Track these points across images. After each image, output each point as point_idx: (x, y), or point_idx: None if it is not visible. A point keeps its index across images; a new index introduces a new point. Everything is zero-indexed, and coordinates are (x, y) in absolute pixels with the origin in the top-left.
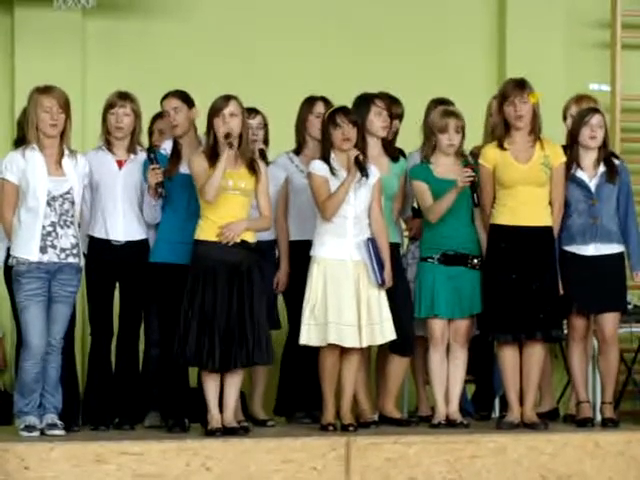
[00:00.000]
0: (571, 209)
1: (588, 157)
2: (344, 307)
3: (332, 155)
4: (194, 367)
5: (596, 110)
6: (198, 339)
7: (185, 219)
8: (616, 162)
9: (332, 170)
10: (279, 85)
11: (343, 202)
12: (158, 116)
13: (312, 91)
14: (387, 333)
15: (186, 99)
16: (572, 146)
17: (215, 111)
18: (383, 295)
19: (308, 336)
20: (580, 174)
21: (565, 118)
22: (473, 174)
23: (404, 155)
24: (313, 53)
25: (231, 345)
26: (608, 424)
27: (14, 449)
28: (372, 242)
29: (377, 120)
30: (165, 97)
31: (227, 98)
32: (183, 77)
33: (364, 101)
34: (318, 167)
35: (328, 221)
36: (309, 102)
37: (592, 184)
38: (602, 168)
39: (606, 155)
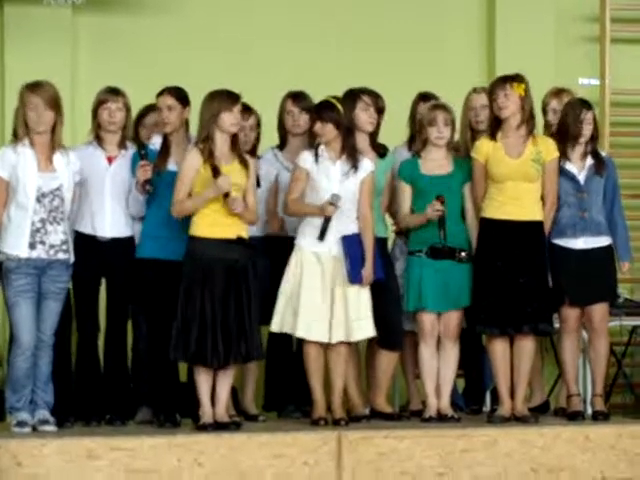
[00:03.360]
0: (560, 202)
1: (576, 150)
2: (315, 300)
3: (322, 146)
4: (197, 365)
5: (587, 105)
6: (200, 337)
7: (170, 215)
8: (603, 154)
9: (317, 159)
10: (270, 80)
11: (300, 214)
12: (145, 112)
13: (303, 85)
14: (365, 330)
15: (181, 98)
16: (561, 139)
17: (226, 106)
18: (364, 291)
19: (280, 324)
20: (569, 167)
21: (545, 112)
22: (442, 209)
23: (387, 150)
24: (304, 48)
25: (230, 341)
26: (598, 417)
27: (6, 445)
28: (347, 239)
29: (363, 115)
30: (161, 93)
31: (237, 96)
32: (174, 73)
33: (351, 96)
34: (303, 159)
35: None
36: (283, 98)
37: (581, 177)
38: (590, 161)
39: (593, 148)
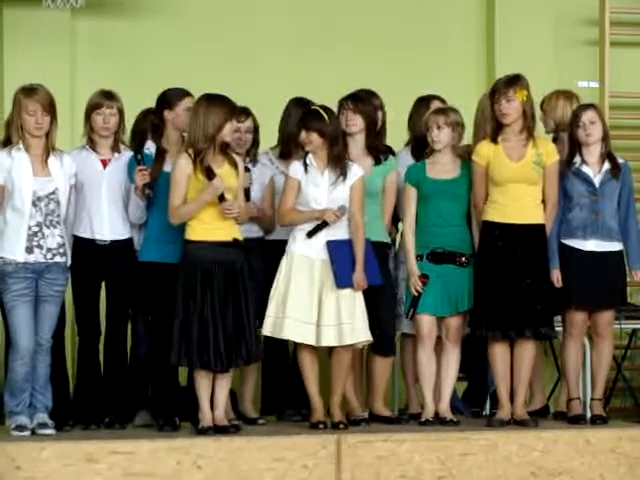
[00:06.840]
0: (573, 203)
1: (591, 153)
2: (303, 304)
3: (310, 156)
4: (198, 369)
5: (588, 106)
6: (200, 340)
7: None
8: (620, 160)
9: (306, 168)
10: (268, 84)
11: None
12: (148, 114)
13: (303, 90)
14: (358, 333)
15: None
16: (573, 144)
17: (230, 118)
18: (357, 296)
19: (272, 328)
20: (586, 169)
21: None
22: (419, 290)
23: (393, 153)
24: (302, 51)
25: (231, 344)
26: (597, 421)
27: (5, 449)
28: (333, 245)
29: (342, 120)
30: (187, 94)
31: (236, 106)
32: (172, 76)
33: (338, 105)
34: (294, 169)
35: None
36: (287, 105)
37: (596, 180)
38: (607, 165)
39: (608, 149)
